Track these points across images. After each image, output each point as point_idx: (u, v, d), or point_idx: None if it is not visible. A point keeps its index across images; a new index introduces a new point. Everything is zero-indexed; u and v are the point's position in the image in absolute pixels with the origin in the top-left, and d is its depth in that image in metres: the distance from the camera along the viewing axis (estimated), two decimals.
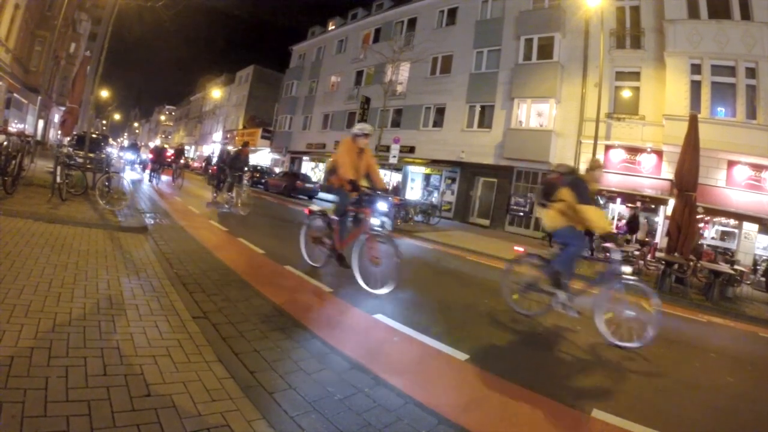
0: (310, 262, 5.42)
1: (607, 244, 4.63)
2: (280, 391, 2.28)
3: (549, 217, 4.43)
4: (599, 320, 4.08)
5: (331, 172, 5.18)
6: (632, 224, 12.39)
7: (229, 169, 10.89)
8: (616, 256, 4.18)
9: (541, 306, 4.49)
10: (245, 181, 10.69)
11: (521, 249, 5.09)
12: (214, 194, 11.76)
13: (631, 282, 4.09)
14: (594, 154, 12.55)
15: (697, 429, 2.73)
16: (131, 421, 1.73)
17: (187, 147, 40.30)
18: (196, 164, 35.47)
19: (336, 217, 5.09)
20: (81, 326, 2.50)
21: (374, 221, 4.89)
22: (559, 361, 3.56)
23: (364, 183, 5.08)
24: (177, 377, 2.17)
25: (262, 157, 36.59)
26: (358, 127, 5.11)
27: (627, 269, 4.37)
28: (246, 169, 11.06)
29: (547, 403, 2.68)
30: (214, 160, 17.64)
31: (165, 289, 3.51)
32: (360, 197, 4.96)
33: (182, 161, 17.32)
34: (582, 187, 4.26)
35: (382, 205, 5.10)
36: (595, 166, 4.70)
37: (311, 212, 5.69)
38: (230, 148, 14.22)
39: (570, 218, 4.28)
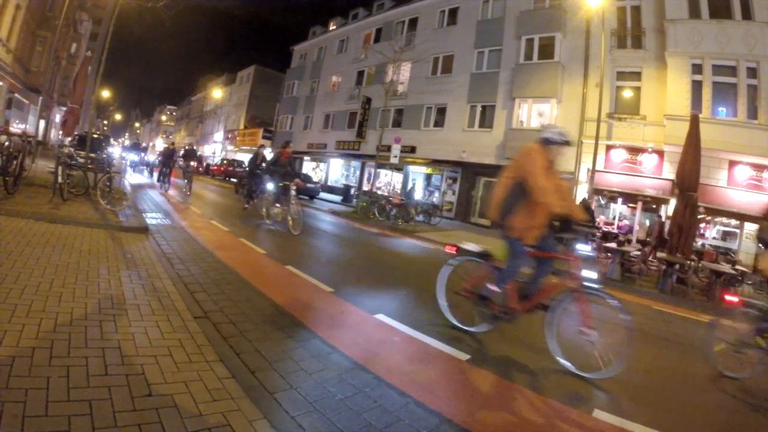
0: (456, 323, 3.79)
1: None
2: (281, 391, 2.29)
3: None
4: None
5: (513, 200, 3.36)
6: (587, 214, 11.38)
7: (270, 176, 8.80)
8: None
9: (754, 366, 3.66)
10: (293, 192, 8.24)
11: (735, 299, 4.08)
12: (246, 205, 10.30)
13: None
14: (595, 154, 12.53)
15: None
16: (132, 421, 1.74)
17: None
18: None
19: (509, 270, 3.48)
20: (82, 326, 2.50)
21: (587, 273, 3.28)
22: None
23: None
24: (178, 377, 2.17)
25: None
26: (556, 131, 3.38)
27: None
28: (292, 175, 8.57)
29: (547, 402, 2.68)
30: (215, 159, 17.07)
31: (166, 289, 3.52)
32: (565, 237, 3.40)
33: (193, 163, 15.99)
34: None
35: (583, 247, 3.62)
36: None
37: (459, 251, 3.93)
38: (267, 149, 11.37)
39: None
